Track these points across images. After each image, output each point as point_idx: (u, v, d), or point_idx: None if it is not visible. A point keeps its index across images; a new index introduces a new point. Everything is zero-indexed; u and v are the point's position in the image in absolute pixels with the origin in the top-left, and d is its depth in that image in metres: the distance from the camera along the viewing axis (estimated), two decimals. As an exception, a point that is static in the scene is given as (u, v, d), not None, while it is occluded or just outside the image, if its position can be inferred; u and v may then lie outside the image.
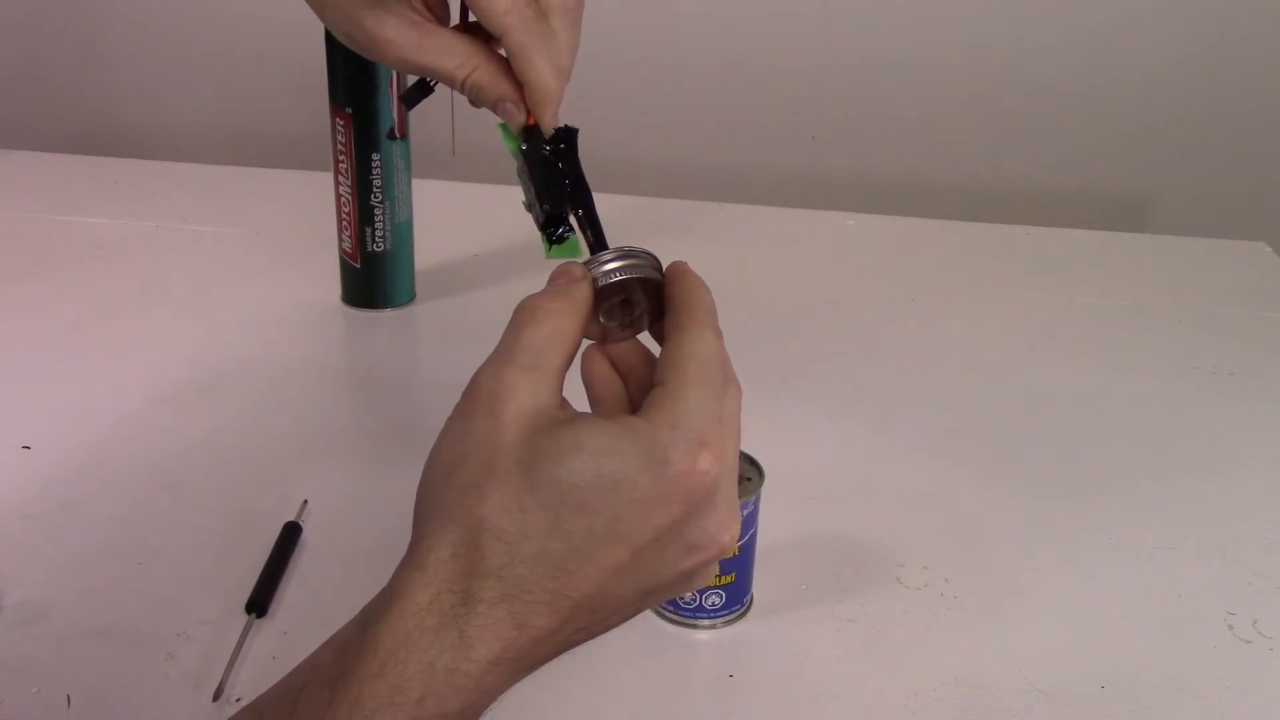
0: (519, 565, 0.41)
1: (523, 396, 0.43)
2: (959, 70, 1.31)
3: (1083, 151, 1.34)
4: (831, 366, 0.92)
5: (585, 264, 0.48)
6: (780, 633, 0.64)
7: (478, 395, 0.44)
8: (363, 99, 0.88)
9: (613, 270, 0.48)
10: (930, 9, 1.29)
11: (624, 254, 0.48)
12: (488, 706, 0.42)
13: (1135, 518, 0.75)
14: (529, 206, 0.54)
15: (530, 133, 0.53)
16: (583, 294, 0.47)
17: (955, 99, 1.32)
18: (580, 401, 0.47)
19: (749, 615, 0.65)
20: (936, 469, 0.79)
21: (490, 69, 0.53)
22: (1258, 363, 0.95)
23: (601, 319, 0.48)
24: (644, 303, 0.49)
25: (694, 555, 0.43)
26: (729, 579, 0.63)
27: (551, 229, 0.53)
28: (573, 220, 0.52)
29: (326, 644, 0.43)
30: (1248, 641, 0.65)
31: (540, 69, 0.52)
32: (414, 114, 0.91)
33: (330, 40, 0.88)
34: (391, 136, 0.90)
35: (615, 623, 0.45)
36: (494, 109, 0.54)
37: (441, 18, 0.55)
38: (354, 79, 0.88)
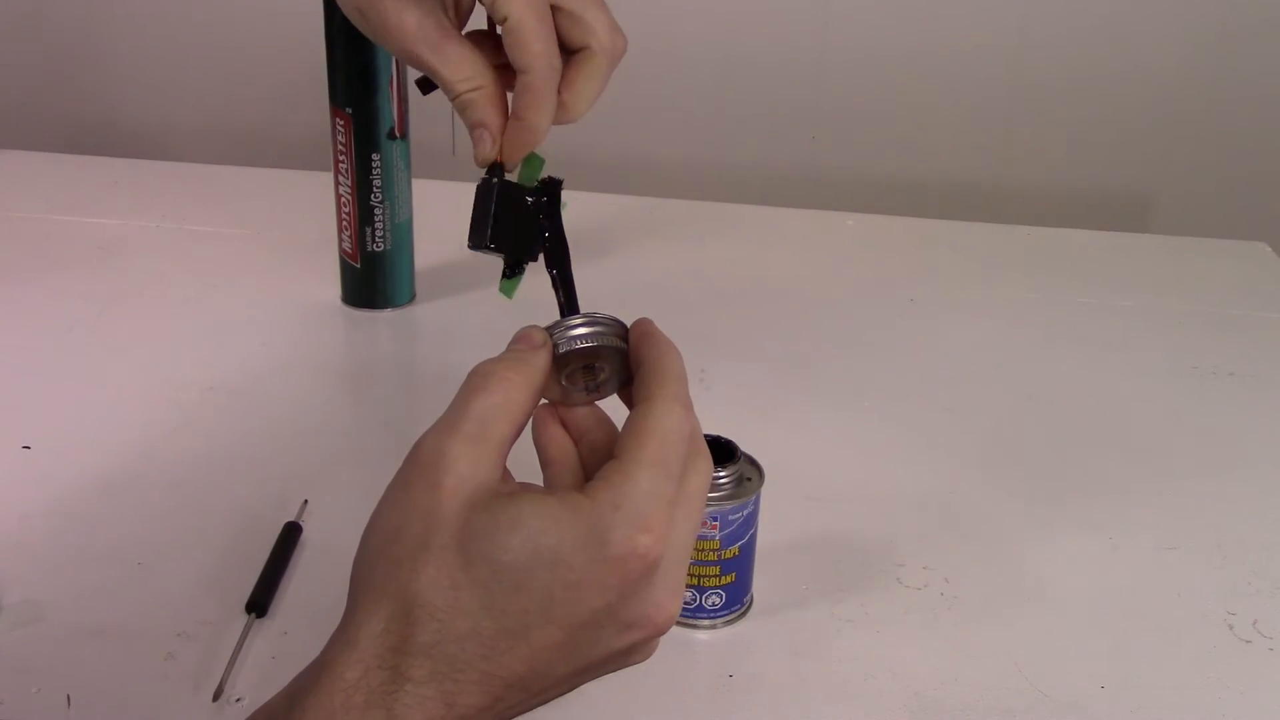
0: (450, 644, 0.40)
1: (463, 468, 0.42)
2: (959, 70, 1.31)
3: (1083, 151, 1.34)
4: (831, 366, 0.92)
5: (548, 329, 0.47)
6: (780, 633, 0.64)
7: (419, 464, 0.43)
8: (363, 99, 0.88)
9: (575, 337, 0.47)
10: (930, 9, 1.29)
11: (589, 321, 0.47)
12: None
13: (1135, 518, 0.75)
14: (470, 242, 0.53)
15: (544, 187, 0.53)
16: (539, 363, 0.46)
17: (955, 99, 1.32)
18: (529, 458, 0.46)
19: (749, 615, 0.65)
20: (936, 469, 0.79)
21: (490, 94, 0.52)
22: (1258, 363, 0.95)
23: (564, 383, 0.47)
24: (608, 369, 0.48)
25: (630, 634, 0.43)
26: (729, 579, 0.63)
27: (508, 261, 0.52)
28: (549, 279, 0.51)
29: (256, 713, 0.42)
30: (1248, 641, 0.65)
31: (542, 113, 0.51)
32: (414, 114, 0.91)
33: (330, 40, 0.88)
34: (391, 136, 0.90)
35: (548, 699, 0.44)
36: (471, 128, 0.53)
37: (460, 26, 0.54)
38: (354, 79, 0.88)
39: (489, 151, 0.52)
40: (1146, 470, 0.80)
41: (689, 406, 0.45)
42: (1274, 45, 1.28)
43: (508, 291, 0.52)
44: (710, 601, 0.63)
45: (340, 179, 0.92)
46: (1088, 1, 1.27)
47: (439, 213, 1.01)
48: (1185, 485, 0.79)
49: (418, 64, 0.54)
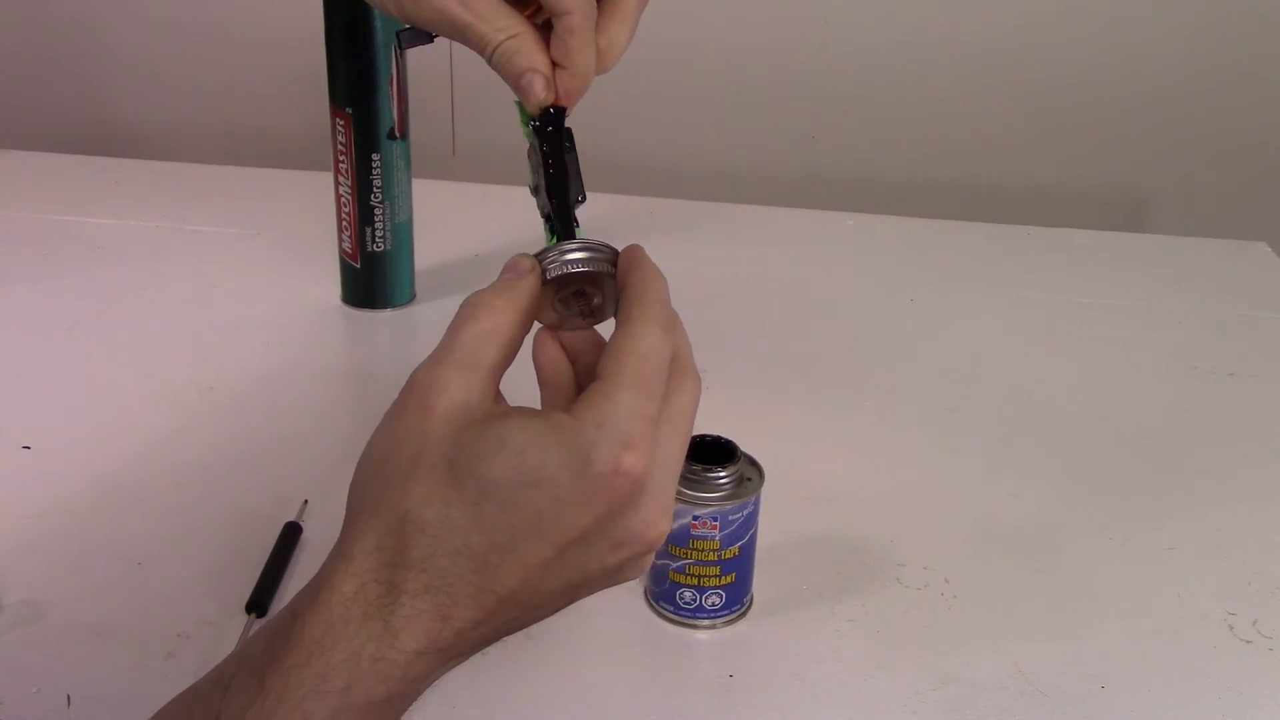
0: (441, 558, 0.42)
1: (454, 392, 0.44)
2: (959, 70, 1.31)
3: (1083, 151, 1.34)
4: (831, 366, 0.92)
5: (538, 254, 0.48)
6: (780, 633, 0.64)
7: (411, 391, 0.45)
8: (363, 99, 0.88)
9: (565, 262, 0.48)
10: (930, 9, 1.29)
11: (579, 246, 0.48)
12: (418, 694, 0.43)
13: (1135, 518, 0.75)
14: (534, 190, 0.53)
15: (549, 115, 0.52)
16: (527, 288, 0.47)
17: (955, 99, 1.32)
18: (532, 384, 0.47)
19: (749, 615, 0.65)
20: (937, 469, 0.79)
21: (532, 39, 0.51)
22: (1258, 363, 0.95)
23: (559, 307, 0.48)
24: (602, 294, 0.49)
25: (620, 551, 0.43)
26: (729, 579, 0.63)
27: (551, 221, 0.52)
28: (546, 204, 0.51)
29: (259, 632, 0.43)
30: (1248, 641, 0.65)
31: (589, 55, 0.51)
32: (414, 114, 0.91)
33: (330, 40, 0.88)
34: (391, 136, 0.90)
35: (545, 615, 0.45)
36: (516, 81, 0.51)
37: None
38: (354, 79, 0.88)
39: (544, 94, 0.51)
40: (1146, 470, 0.80)
41: (669, 327, 0.45)
42: (1274, 45, 1.28)
43: None
44: (710, 601, 0.63)
45: (340, 179, 0.92)
46: (1088, 1, 1.27)
47: (439, 213, 1.02)
48: (1185, 485, 0.79)
49: (449, 25, 0.52)
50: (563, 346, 0.48)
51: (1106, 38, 1.28)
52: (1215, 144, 1.32)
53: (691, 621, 0.64)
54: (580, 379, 0.48)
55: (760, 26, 1.31)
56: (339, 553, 0.43)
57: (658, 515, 0.44)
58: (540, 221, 0.52)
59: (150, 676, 0.59)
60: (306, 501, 0.71)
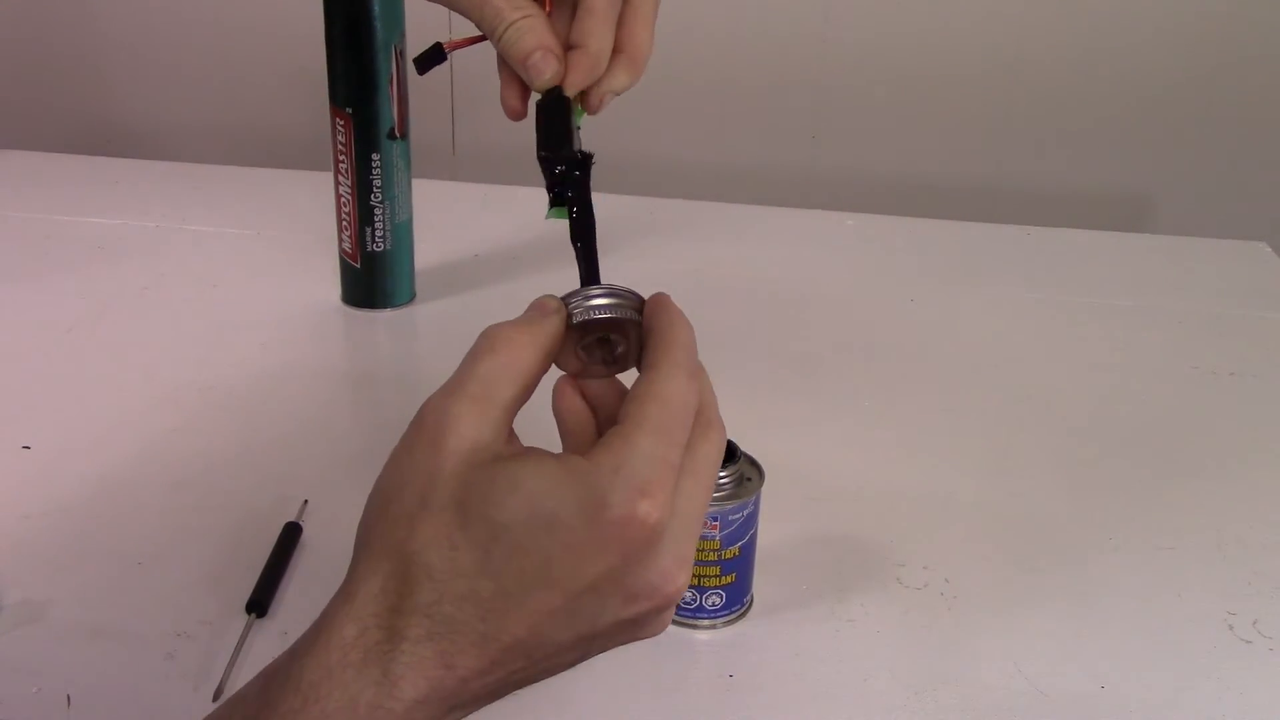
0: (447, 604, 0.40)
1: (465, 429, 0.42)
2: (959, 70, 1.31)
3: (1083, 151, 1.34)
4: (831, 366, 0.92)
5: (564, 298, 0.47)
6: (780, 633, 0.64)
7: (422, 425, 0.43)
8: (363, 99, 0.88)
9: (590, 308, 0.46)
10: (931, 9, 1.29)
11: (606, 292, 0.47)
12: None
13: (1135, 518, 0.75)
14: (540, 161, 0.52)
15: (556, 93, 0.52)
16: (550, 328, 0.45)
17: (955, 99, 1.32)
18: (553, 431, 0.46)
19: (749, 615, 0.65)
20: (937, 469, 0.79)
21: (542, 21, 0.51)
22: (1258, 363, 0.95)
23: (582, 354, 0.47)
24: (626, 342, 0.47)
25: (636, 605, 0.42)
26: (729, 579, 0.63)
27: (553, 187, 0.51)
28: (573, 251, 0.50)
29: (260, 674, 0.42)
30: (1248, 641, 0.65)
31: (607, 38, 0.51)
32: (414, 114, 0.91)
33: (330, 40, 0.88)
34: (391, 136, 0.90)
35: (555, 668, 0.43)
36: (524, 59, 0.51)
37: None
38: (354, 79, 0.88)
39: (553, 71, 0.51)
40: (1146, 470, 0.80)
41: (694, 374, 0.44)
42: (1274, 45, 1.28)
43: (562, 216, 0.51)
44: (710, 601, 0.63)
45: (340, 179, 0.92)
46: (1088, 1, 1.27)
47: (439, 213, 1.02)
48: (1185, 485, 0.79)
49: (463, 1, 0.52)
50: (584, 395, 0.47)
51: (1107, 38, 1.28)
52: (1216, 144, 1.32)
53: (691, 621, 0.64)
54: (602, 428, 0.46)
55: (760, 26, 1.31)
56: (343, 593, 0.41)
57: (675, 568, 0.42)
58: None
59: (150, 676, 0.59)
60: (306, 501, 0.71)
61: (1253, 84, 1.30)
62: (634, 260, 1.05)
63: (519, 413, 0.45)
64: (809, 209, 1.21)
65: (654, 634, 0.44)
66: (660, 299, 0.47)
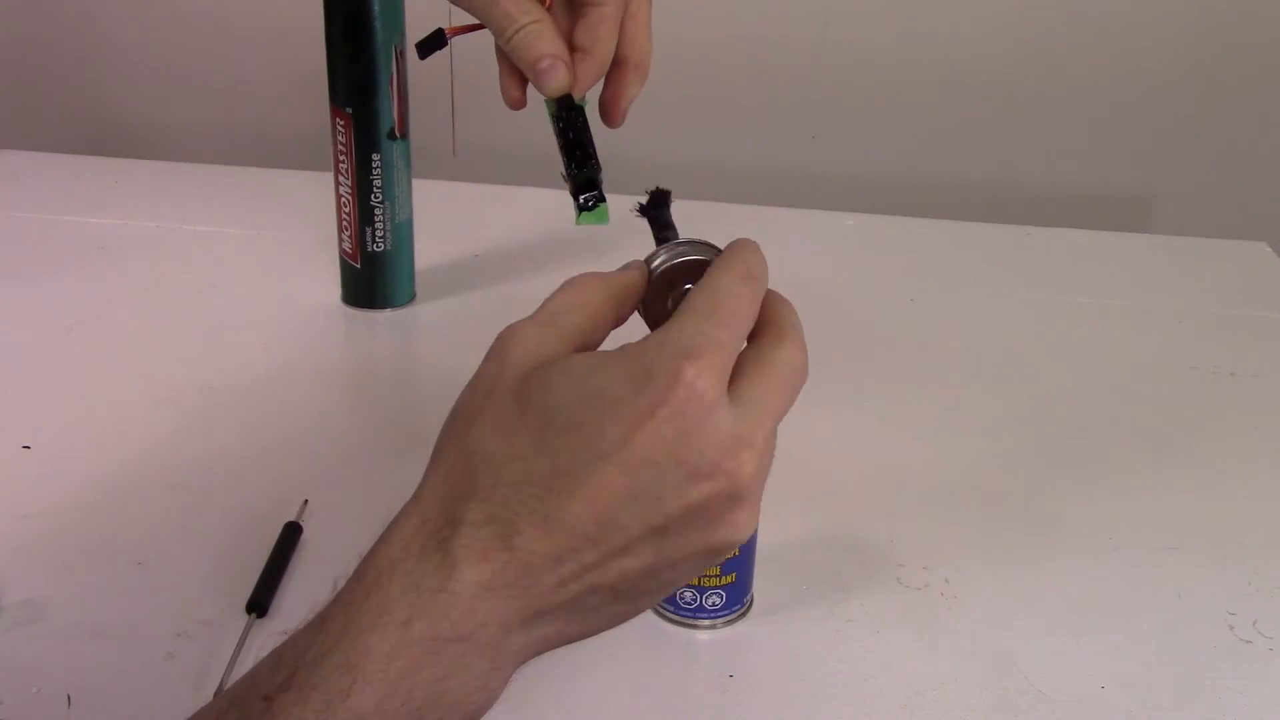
0: (504, 487, 0.41)
1: (529, 343, 0.44)
2: (959, 70, 1.31)
3: (1083, 151, 1.34)
4: (831, 366, 0.92)
5: (651, 254, 0.50)
6: (780, 633, 0.64)
7: (492, 349, 0.45)
8: (363, 99, 0.88)
9: (672, 255, 0.49)
10: (931, 8, 1.29)
11: (692, 244, 0.50)
12: (488, 654, 0.41)
13: (1135, 518, 0.75)
14: (565, 177, 0.55)
15: (568, 101, 0.54)
16: (628, 276, 0.48)
17: (955, 99, 1.32)
18: None
19: (749, 615, 0.65)
20: (937, 469, 0.79)
21: (550, 27, 0.54)
22: (1258, 363, 0.95)
23: (671, 304, 0.49)
24: None
25: (699, 485, 0.41)
26: (729, 579, 0.63)
27: (581, 195, 0.54)
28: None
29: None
30: (1248, 642, 0.65)
31: (612, 43, 0.54)
32: (414, 114, 0.91)
33: (330, 40, 0.88)
34: (391, 136, 0.90)
35: (631, 574, 0.42)
36: (534, 64, 0.54)
37: None
38: (354, 79, 0.88)
39: (563, 79, 0.54)
40: (1146, 470, 0.80)
41: (748, 278, 0.45)
42: (1274, 45, 1.28)
43: (602, 217, 0.55)
44: (710, 601, 0.63)
45: (340, 179, 0.92)
46: (1088, 1, 1.27)
47: (439, 213, 1.02)
48: (1185, 485, 0.79)
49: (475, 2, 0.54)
50: None
51: (1107, 38, 1.28)
52: (1215, 144, 1.32)
53: (691, 621, 0.64)
54: None
55: (760, 26, 1.31)
56: (411, 498, 0.43)
57: (736, 446, 0.41)
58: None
59: (150, 676, 0.59)
60: (306, 501, 0.71)
61: (1252, 84, 1.30)
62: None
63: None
64: (809, 209, 1.21)
65: (731, 539, 0.43)
66: (736, 241, 0.49)
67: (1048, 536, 0.73)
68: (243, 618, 0.62)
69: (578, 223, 0.55)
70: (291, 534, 0.68)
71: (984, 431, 0.84)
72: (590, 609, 0.42)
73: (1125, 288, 1.06)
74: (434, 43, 0.59)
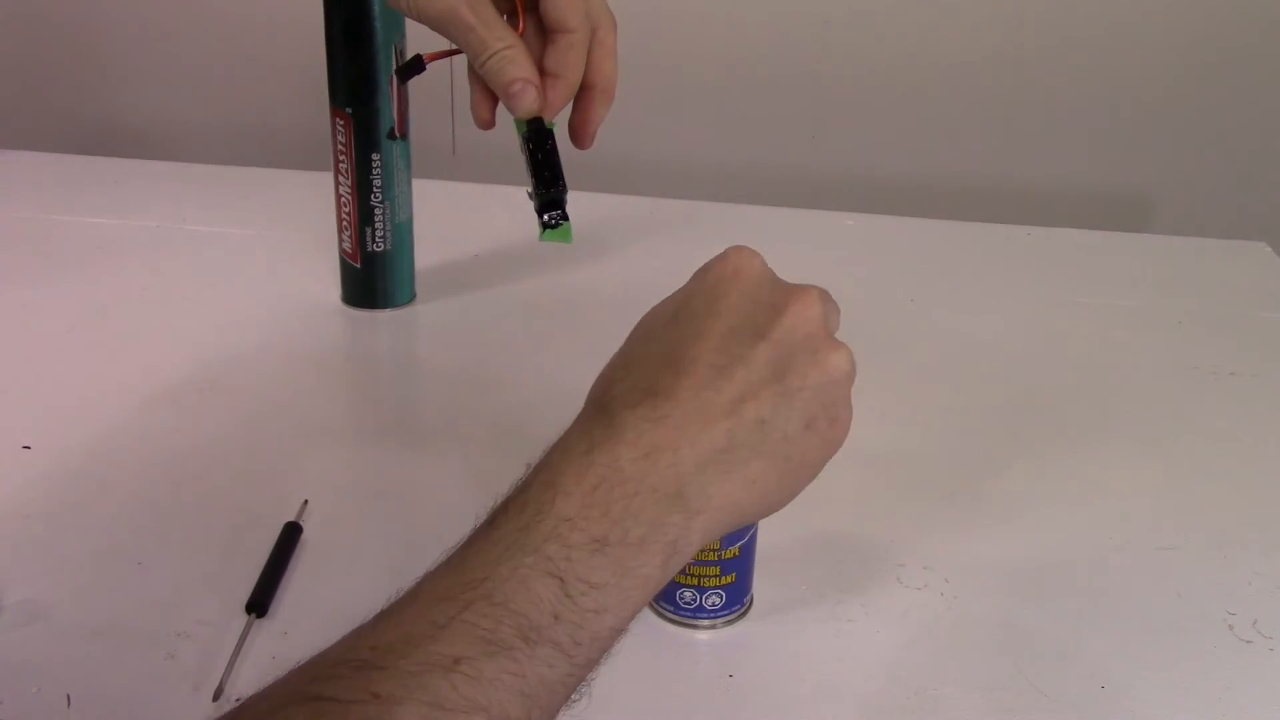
0: (638, 364, 0.50)
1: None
2: (959, 70, 1.31)
3: (1083, 151, 1.34)
4: (831, 366, 0.92)
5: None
6: (780, 633, 0.64)
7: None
8: (363, 99, 0.88)
9: None
10: (931, 8, 1.29)
11: None
12: (680, 488, 0.47)
13: (1135, 518, 0.75)
14: (531, 195, 0.58)
15: (538, 124, 0.57)
16: None
17: (955, 99, 1.32)
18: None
19: (749, 615, 0.65)
20: (937, 469, 0.79)
21: (523, 53, 0.57)
22: (1258, 363, 0.95)
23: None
24: None
25: (778, 315, 0.51)
26: (729, 579, 0.63)
27: (545, 214, 0.58)
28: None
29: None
30: (1248, 641, 0.65)
31: (581, 69, 0.57)
32: (414, 114, 0.91)
33: (330, 40, 0.88)
34: (391, 136, 0.90)
35: (761, 390, 0.49)
36: (506, 88, 0.57)
37: None
38: (354, 79, 0.88)
39: (535, 103, 0.57)
40: (1146, 470, 0.80)
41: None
42: (1274, 45, 1.28)
43: (565, 235, 0.59)
44: (710, 601, 0.63)
45: (340, 179, 0.92)
46: (1088, 2, 1.27)
47: (439, 213, 1.02)
48: (1185, 485, 0.79)
49: (456, 23, 0.57)
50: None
51: (1107, 37, 1.29)
52: (1215, 144, 1.32)
53: (691, 621, 0.64)
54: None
55: (760, 26, 1.31)
56: None
57: (802, 291, 0.53)
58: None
59: (150, 676, 0.59)
60: (306, 501, 0.71)
61: (1252, 84, 1.30)
62: (634, 260, 1.05)
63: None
64: (809, 209, 1.21)
65: (832, 363, 0.56)
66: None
67: (1048, 536, 0.73)
68: (243, 618, 0.62)
69: (541, 239, 0.58)
70: (291, 534, 0.68)
71: (984, 431, 0.84)
72: (752, 447, 0.49)
73: (1125, 288, 1.06)
74: (413, 68, 0.62)
